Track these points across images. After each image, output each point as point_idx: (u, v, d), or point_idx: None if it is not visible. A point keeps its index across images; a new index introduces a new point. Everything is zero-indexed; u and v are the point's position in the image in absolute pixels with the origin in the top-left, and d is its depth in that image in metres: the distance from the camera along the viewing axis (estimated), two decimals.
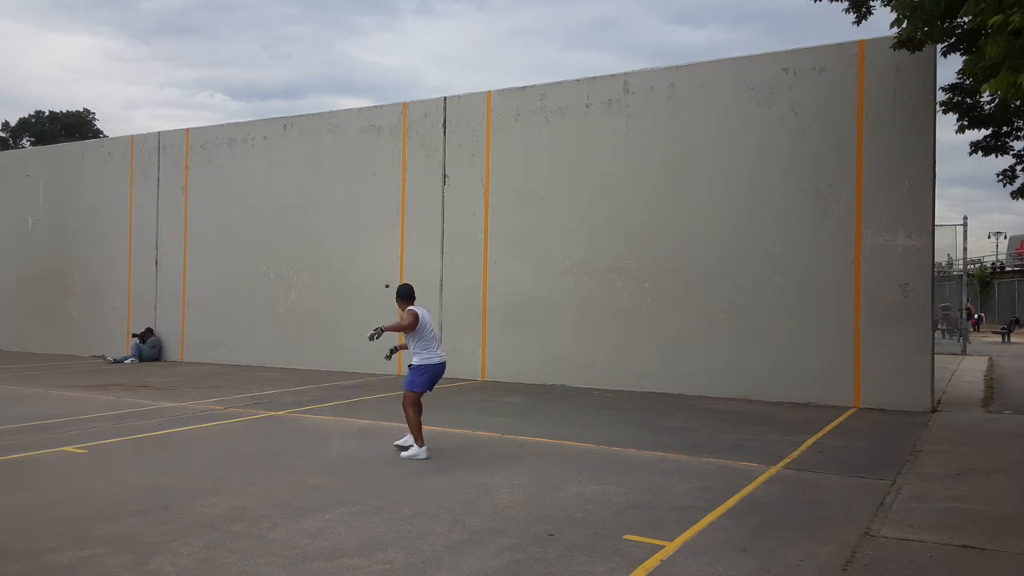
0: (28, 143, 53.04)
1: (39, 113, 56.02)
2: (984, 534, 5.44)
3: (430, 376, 8.02)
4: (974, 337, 30.48)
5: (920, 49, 10.29)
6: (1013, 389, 14.03)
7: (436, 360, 8.04)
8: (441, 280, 14.90)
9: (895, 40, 10.13)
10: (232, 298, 17.20)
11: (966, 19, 9.19)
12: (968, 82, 10.88)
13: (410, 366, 8.06)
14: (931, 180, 11.18)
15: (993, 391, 13.50)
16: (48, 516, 5.66)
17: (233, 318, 17.10)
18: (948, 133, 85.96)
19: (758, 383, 12.06)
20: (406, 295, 8.27)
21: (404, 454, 7.81)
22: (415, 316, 7.98)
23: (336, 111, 16.67)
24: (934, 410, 11.08)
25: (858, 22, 10.49)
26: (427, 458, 7.70)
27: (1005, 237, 50.26)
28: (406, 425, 8.48)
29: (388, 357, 8.38)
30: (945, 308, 28.00)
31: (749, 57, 12.47)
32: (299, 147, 16.61)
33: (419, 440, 7.81)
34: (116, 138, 20.17)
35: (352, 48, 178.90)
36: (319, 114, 16.55)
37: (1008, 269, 48.54)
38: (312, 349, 16.17)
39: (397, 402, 11.74)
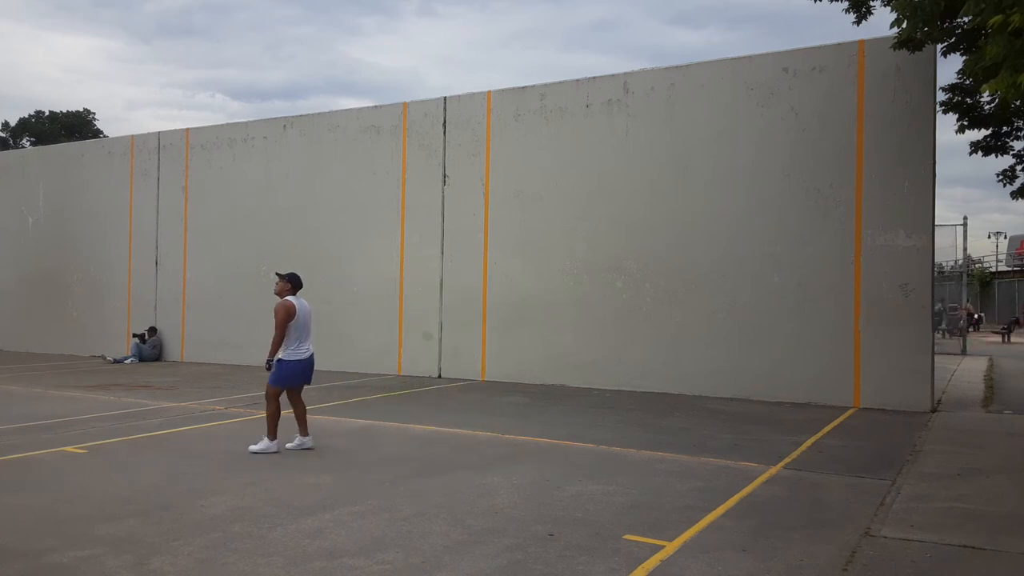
0: (28, 143, 53.02)
1: (39, 113, 56.02)
2: (984, 534, 5.44)
3: (298, 371, 8.01)
4: (974, 337, 30.48)
5: (920, 49, 10.29)
6: (1013, 389, 14.04)
7: (304, 356, 8.02)
8: (441, 280, 14.90)
9: (895, 40, 10.12)
10: (232, 298, 17.20)
11: (966, 19, 9.18)
12: (968, 82, 10.87)
13: (278, 360, 7.97)
14: (931, 180, 11.18)
15: (993, 391, 13.51)
16: (48, 516, 5.66)
17: (233, 318, 17.09)
18: (948, 133, 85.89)
19: (758, 383, 12.06)
20: (296, 283, 8.17)
21: (253, 448, 7.89)
22: (288, 309, 7.89)
23: (336, 111, 16.68)
24: (934, 410, 11.08)
25: (858, 22, 10.47)
26: (277, 451, 7.84)
27: (1005, 237, 50.25)
28: (406, 425, 8.51)
29: (269, 368, 7.99)
30: (952, 309, 28.04)
31: (749, 57, 12.48)
32: (299, 147, 16.61)
33: (272, 433, 7.90)
34: (116, 138, 20.18)
35: (353, 49, 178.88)
36: (319, 114, 16.55)
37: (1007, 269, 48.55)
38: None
39: (398, 402, 11.76)
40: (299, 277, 8.31)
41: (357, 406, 11.22)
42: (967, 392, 13.32)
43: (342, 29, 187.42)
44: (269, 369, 7.98)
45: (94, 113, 58.69)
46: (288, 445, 8.06)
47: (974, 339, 29.21)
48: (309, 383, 8.23)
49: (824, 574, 4.66)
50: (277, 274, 8.35)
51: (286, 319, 7.89)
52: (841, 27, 36.78)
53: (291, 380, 8.05)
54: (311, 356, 8.16)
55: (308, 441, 8.11)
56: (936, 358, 11.85)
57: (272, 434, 7.92)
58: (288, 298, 8.03)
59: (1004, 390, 13.77)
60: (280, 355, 7.98)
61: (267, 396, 8.03)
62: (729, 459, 7.74)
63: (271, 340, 7.93)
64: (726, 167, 12.49)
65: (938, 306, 26.29)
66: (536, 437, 8.84)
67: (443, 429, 9.28)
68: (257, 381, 13.96)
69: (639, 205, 13.15)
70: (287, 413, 8.15)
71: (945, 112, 11.54)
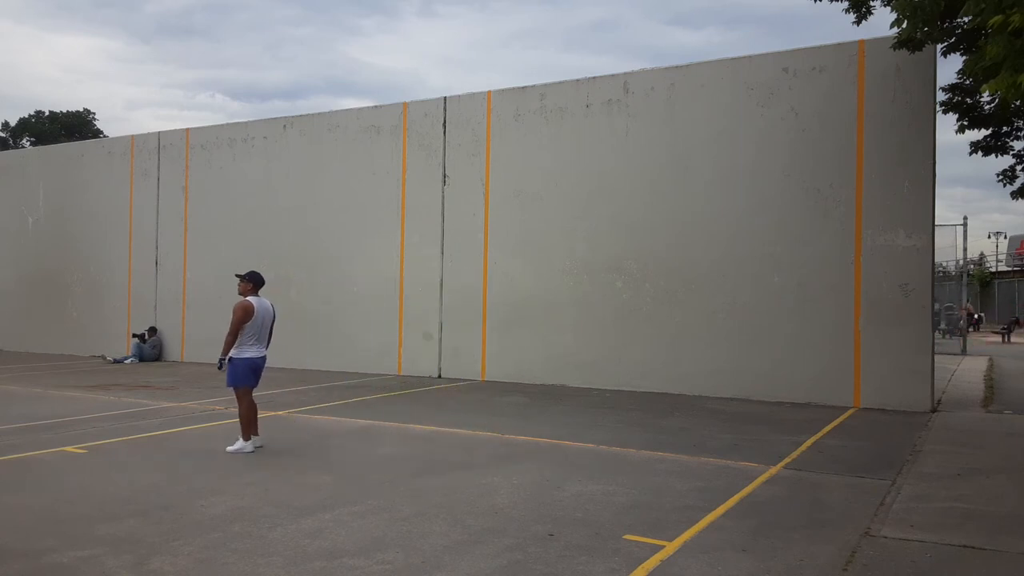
0: (28, 143, 53.01)
1: (39, 113, 55.98)
2: (984, 534, 5.44)
3: (252, 369, 8.02)
4: (974, 337, 30.47)
5: (920, 49, 10.29)
6: (1013, 389, 14.04)
7: (255, 354, 8.02)
8: (441, 280, 14.90)
9: (895, 40, 10.13)
10: (232, 298, 16.98)
11: (966, 19, 9.19)
12: (968, 82, 10.87)
13: (230, 359, 7.97)
14: (931, 180, 11.18)
15: (993, 391, 13.50)
16: (48, 516, 5.66)
17: None
18: (948, 133, 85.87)
19: (758, 383, 12.06)
20: (257, 282, 8.20)
21: (229, 448, 7.89)
22: (247, 309, 7.91)
23: (336, 111, 16.67)
24: (934, 410, 11.08)
25: (858, 22, 10.48)
26: (252, 451, 7.86)
27: (1005, 237, 50.27)
28: (406, 425, 8.50)
29: (220, 367, 8.09)
30: (949, 308, 28.03)
31: (749, 57, 12.48)
32: (299, 147, 16.61)
33: (246, 434, 7.93)
34: (116, 138, 20.17)
35: (353, 50, 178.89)
36: (319, 114, 16.55)
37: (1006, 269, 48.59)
38: (312, 349, 16.16)
39: (398, 402, 11.76)
40: (259, 275, 8.31)
41: (357, 406, 11.22)
42: (967, 392, 13.32)
43: (342, 29, 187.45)
44: (220, 369, 7.98)
45: (94, 113, 58.71)
46: (228, 448, 7.95)
47: (974, 339, 29.20)
48: (255, 385, 8.17)
49: (824, 574, 4.66)
50: (237, 275, 8.37)
51: (243, 319, 7.90)
52: (841, 27, 36.80)
53: (247, 378, 8.00)
54: (263, 358, 8.13)
55: (249, 447, 7.96)
56: (936, 358, 11.85)
57: (246, 435, 7.95)
58: (249, 298, 8.05)
59: (1004, 390, 13.77)
60: (232, 353, 7.96)
61: (238, 398, 8.02)
62: (729, 459, 7.73)
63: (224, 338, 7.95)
64: (726, 167, 12.49)
65: (938, 306, 26.31)
66: (536, 437, 8.84)
67: (443, 429, 9.28)
68: None
69: (639, 205, 13.15)
70: (234, 412, 8.10)
71: (945, 112, 11.54)
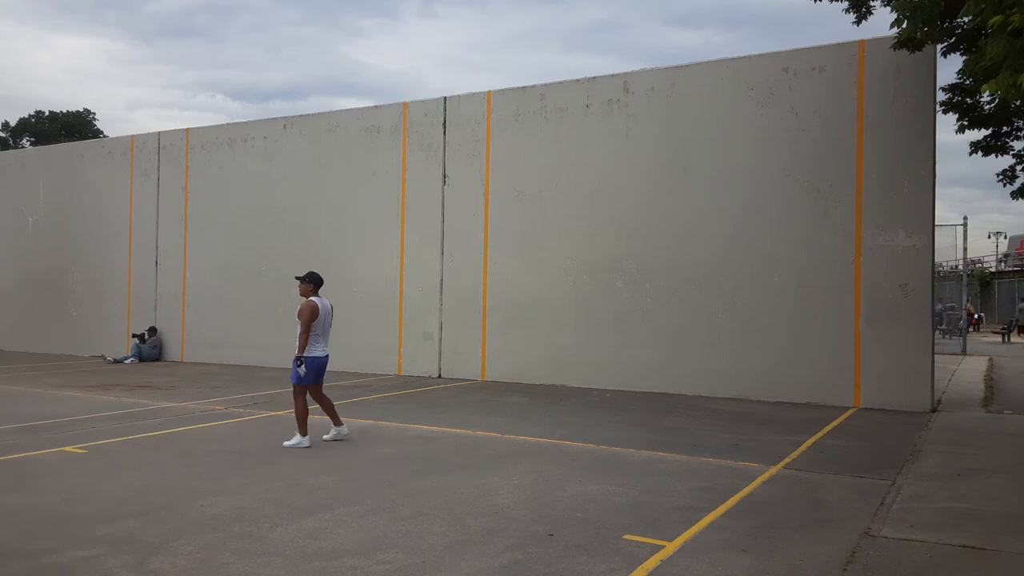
0: (28, 143, 52.99)
1: (39, 113, 55.94)
2: (984, 534, 5.43)
3: (320, 368, 8.33)
4: (974, 337, 30.47)
5: (920, 49, 10.29)
6: (1013, 389, 14.03)
7: (320, 353, 8.31)
8: (441, 280, 14.90)
9: (895, 40, 10.13)
10: (232, 298, 17.19)
11: (966, 19, 9.19)
12: (968, 82, 10.87)
13: (296, 358, 8.21)
14: (931, 180, 11.18)
15: (993, 391, 13.50)
16: (48, 516, 5.66)
17: (233, 318, 17.08)
18: (948, 133, 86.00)
19: (758, 383, 12.06)
20: (317, 282, 8.45)
21: (287, 443, 8.13)
22: (313, 309, 8.19)
23: (336, 111, 16.67)
24: (934, 410, 11.07)
25: (858, 22, 10.49)
26: (309, 446, 8.10)
27: (1005, 237, 50.30)
28: (406, 425, 8.47)
29: (299, 365, 8.23)
30: (950, 308, 28.04)
31: (749, 57, 12.47)
32: (299, 147, 16.61)
33: (303, 429, 8.15)
34: (116, 138, 20.17)
35: (354, 51, 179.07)
36: (319, 114, 16.55)
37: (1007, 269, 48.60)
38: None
39: (397, 402, 11.76)
40: (318, 275, 8.60)
41: (357, 406, 11.21)
42: (967, 392, 13.31)
43: (344, 31, 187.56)
44: (300, 365, 8.18)
45: (94, 113, 58.68)
46: (324, 436, 8.39)
47: (974, 339, 29.19)
48: (318, 382, 8.43)
49: (824, 574, 4.66)
50: (297, 277, 8.64)
51: (311, 318, 8.18)
52: (841, 27, 36.82)
53: (310, 378, 8.25)
54: (326, 356, 8.42)
55: (344, 430, 8.43)
56: (936, 358, 11.85)
57: (303, 430, 8.16)
58: (312, 298, 8.32)
59: (1004, 390, 13.76)
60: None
61: (296, 395, 8.25)
62: (729, 459, 7.73)
63: (297, 339, 8.22)
64: (726, 167, 12.49)
65: (939, 306, 26.29)
66: (536, 437, 8.84)
67: (443, 429, 9.28)
68: (256, 381, 13.99)
69: (639, 205, 13.15)
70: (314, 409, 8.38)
71: (945, 112, 11.55)
